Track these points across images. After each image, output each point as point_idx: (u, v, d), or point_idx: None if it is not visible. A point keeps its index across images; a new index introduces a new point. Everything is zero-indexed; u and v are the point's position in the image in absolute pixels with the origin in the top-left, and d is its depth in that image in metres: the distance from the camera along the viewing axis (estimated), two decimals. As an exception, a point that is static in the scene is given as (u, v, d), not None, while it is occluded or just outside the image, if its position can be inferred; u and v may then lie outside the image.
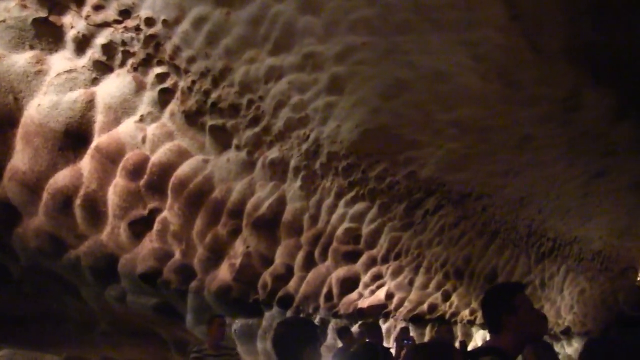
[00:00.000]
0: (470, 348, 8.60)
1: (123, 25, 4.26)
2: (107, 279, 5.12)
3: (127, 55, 4.41)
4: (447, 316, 9.37)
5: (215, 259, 5.65)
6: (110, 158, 4.62)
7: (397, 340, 6.86)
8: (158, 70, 4.59)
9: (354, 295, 7.36)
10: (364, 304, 7.65)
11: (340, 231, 6.68)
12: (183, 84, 4.75)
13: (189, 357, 4.86)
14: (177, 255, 5.36)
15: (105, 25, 4.21)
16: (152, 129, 4.80)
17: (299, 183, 5.91)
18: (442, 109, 5.82)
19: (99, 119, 4.47)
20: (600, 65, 5.27)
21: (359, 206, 6.68)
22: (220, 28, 4.50)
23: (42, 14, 3.92)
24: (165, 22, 4.34)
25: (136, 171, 4.79)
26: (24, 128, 4.15)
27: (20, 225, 4.47)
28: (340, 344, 6.27)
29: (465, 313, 9.69)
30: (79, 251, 4.82)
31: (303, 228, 6.25)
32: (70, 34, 4.11)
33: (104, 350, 5.63)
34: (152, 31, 4.36)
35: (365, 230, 6.97)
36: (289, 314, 6.54)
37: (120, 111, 4.57)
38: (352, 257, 7.02)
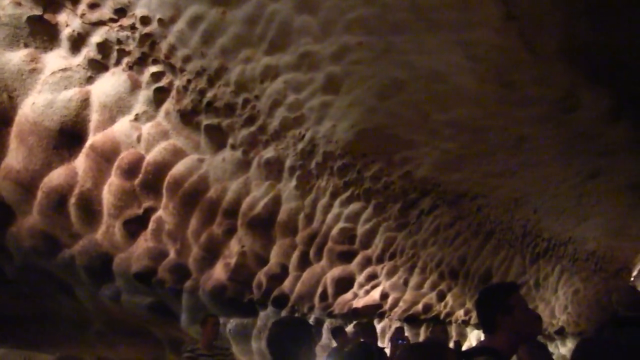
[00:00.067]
0: (464, 348, 8.61)
1: (118, 23, 4.24)
2: (101, 278, 5.11)
3: (122, 53, 4.40)
4: (442, 316, 9.39)
5: (210, 258, 5.65)
6: (105, 157, 4.61)
7: (391, 340, 6.89)
8: (153, 68, 4.58)
9: (348, 294, 7.37)
10: (358, 303, 7.66)
11: (335, 231, 6.68)
12: (178, 82, 4.74)
13: (182, 357, 4.84)
14: (172, 254, 5.35)
15: (100, 23, 4.19)
16: (147, 128, 4.79)
17: (294, 182, 5.91)
18: (438, 108, 5.83)
19: (94, 117, 4.46)
20: (596, 66, 5.29)
21: (354, 206, 6.69)
22: (216, 27, 4.49)
23: (37, 11, 3.90)
24: (160, 20, 4.33)
25: (131, 170, 4.78)
26: (18, 126, 4.13)
27: (14, 224, 4.45)
28: (334, 344, 6.28)
29: (460, 313, 9.71)
30: (74, 250, 4.81)
31: (298, 227, 6.25)
32: (65, 32, 4.10)
33: (99, 349, 5.61)
34: (147, 30, 4.35)
35: (360, 230, 6.98)
36: (283, 313, 6.54)
37: (115, 110, 4.56)
38: (346, 257, 7.02)
